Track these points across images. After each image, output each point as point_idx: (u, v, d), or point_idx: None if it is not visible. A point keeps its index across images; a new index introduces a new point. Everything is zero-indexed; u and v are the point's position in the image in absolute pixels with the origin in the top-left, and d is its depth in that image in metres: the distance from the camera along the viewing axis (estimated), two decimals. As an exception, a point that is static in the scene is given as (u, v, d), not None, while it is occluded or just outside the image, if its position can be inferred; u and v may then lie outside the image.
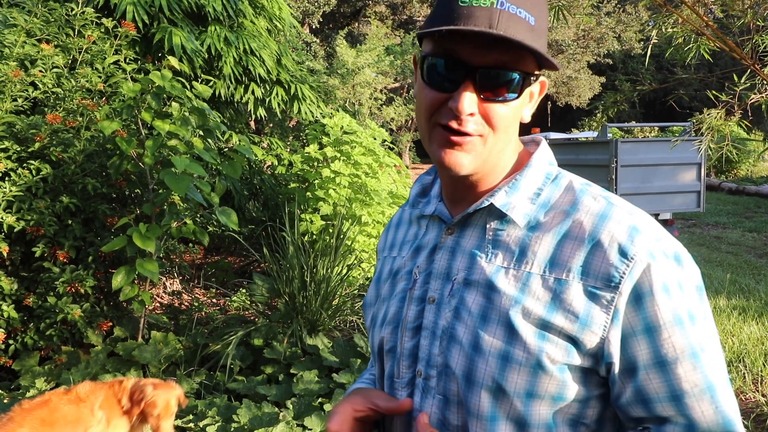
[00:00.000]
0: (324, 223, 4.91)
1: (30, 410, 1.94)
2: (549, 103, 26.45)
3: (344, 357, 3.42)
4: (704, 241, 8.78)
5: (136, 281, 3.19)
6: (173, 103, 3.34)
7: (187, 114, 3.28)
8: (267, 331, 3.62)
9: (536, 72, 0.79)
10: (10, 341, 3.17)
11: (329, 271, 3.96)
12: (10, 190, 3.06)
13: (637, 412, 0.77)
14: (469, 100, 0.75)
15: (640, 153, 7.42)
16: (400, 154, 20.05)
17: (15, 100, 3.36)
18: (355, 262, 4.50)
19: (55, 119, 3.24)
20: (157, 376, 3.17)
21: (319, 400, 2.90)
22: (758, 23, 2.88)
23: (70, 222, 3.25)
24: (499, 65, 0.75)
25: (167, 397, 2.19)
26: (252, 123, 7.50)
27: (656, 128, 18.43)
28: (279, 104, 5.50)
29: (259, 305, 4.23)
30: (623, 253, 0.75)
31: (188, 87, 3.56)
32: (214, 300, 4.86)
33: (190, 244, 4.84)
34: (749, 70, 2.97)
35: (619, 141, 7.36)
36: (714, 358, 0.76)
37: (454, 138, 0.78)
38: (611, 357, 0.76)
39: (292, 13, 6.23)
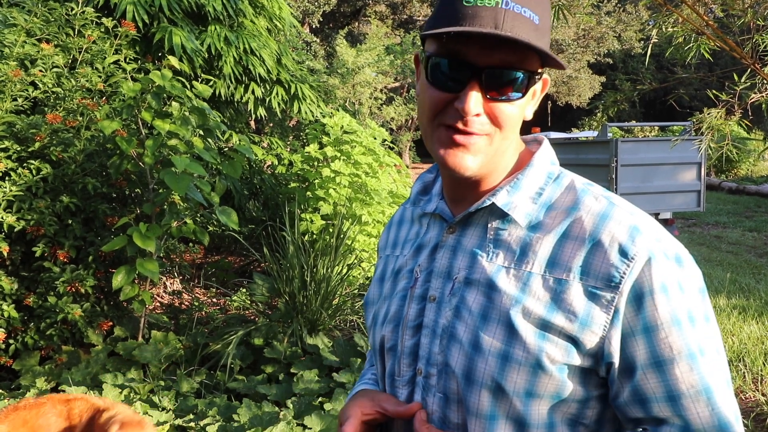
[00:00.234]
0: (324, 222, 4.91)
1: (20, 408, 1.92)
2: (549, 102, 26.44)
3: (344, 356, 3.42)
4: (704, 240, 8.78)
5: (136, 281, 3.19)
6: (173, 103, 3.34)
7: (187, 114, 3.28)
8: (267, 330, 3.62)
9: (540, 70, 0.79)
10: (11, 341, 3.17)
11: (329, 270, 3.96)
12: (11, 190, 3.06)
13: (634, 412, 0.77)
14: (475, 101, 0.75)
15: (640, 152, 7.43)
16: (400, 154, 20.06)
17: (15, 99, 3.36)
18: (356, 261, 4.51)
19: (55, 119, 3.25)
20: (157, 376, 3.17)
21: (320, 399, 2.91)
22: (758, 22, 2.88)
23: (70, 222, 3.25)
24: (504, 65, 0.75)
25: None
26: (252, 122, 7.50)
27: (656, 128, 18.42)
28: (279, 104, 5.51)
29: (259, 305, 4.23)
30: (624, 253, 0.75)
31: (188, 86, 3.56)
32: (214, 299, 4.86)
33: (191, 244, 4.84)
34: (749, 70, 2.97)
35: (620, 140, 7.36)
36: (713, 359, 0.76)
37: (459, 138, 0.78)
38: (611, 357, 0.76)
39: (292, 13, 6.23)
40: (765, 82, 2.98)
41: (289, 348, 3.47)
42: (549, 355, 0.76)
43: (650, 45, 3.53)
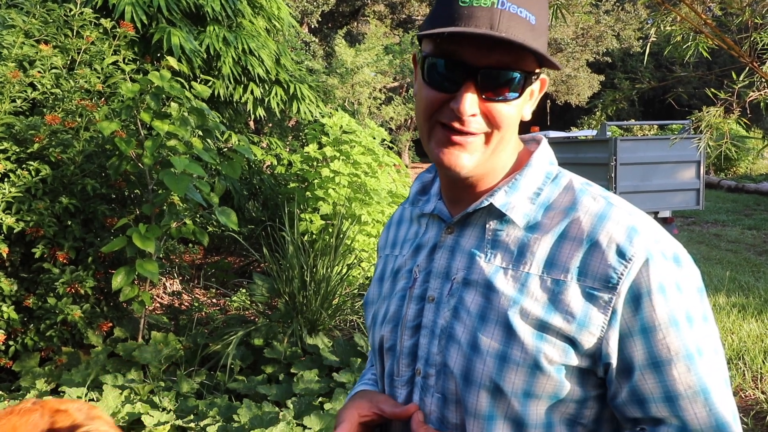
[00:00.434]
0: (324, 222, 4.91)
1: (14, 413, 1.90)
2: (548, 101, 26.45)
3: (344, 356, 3.42)
4: (703, 238, 8.79)
5: (136, 282, 3.19)
6: (172, 104, 3.34)
7: (186, 114, 3.28)
8: (267, 330, 3.62)
9: (537, 70, 0.79)
10: (11, 342, 3.17)
11: (329, 270, 3.96)
12: (10, 191, 3.06)
13: (633, 412, 0.77)
14: (470, 101, 0.75)
15: (640, 151, 7.43)
16: (399, 154, 20.05)
17: (14, 101, 3.36)
18: (355, 261, 4.51)
19: (54, 120, 3.24)
20: (157, 377, 3.17)
21: (320, 399, 2.91)
22: (756, 21, 2.88)
23: (69, 223, 3.25)
24: (500, 66, 0.75)
25: None
26: (251, 123, 7.50)
27: (655, 126, 18.43)
28: (278, 104, 5.50)
29: (259, 305, 4.23)
30: (621, 254, 0.75)
31: (187, 87, 3.56)
32: (214, 300, 4.86)
33: (190, 245, 4.85)
34: (748, 68, 2.97)
35: (619, 139, 7.36)
36: (711, 360, 0.76)
37: (456, 137, 0.78)
38: (609, 357, 0.76)
39: (290, 13, 6.22)
40: (763, 80, 2.98)
41: (289, 348, 3.47)
42: (547, 356, 0.76)
43: (649, 43, 3.53)
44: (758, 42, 2.86)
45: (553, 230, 0.80)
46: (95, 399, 2.80)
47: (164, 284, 4.87)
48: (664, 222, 7.34)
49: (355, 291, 4.30)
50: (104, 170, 3.46)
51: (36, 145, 3.19)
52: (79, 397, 2.76)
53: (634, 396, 0.76)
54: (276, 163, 6.10)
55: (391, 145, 7.20)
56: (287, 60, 5.70)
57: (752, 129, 18.06)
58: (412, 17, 23.07)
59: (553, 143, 8.85)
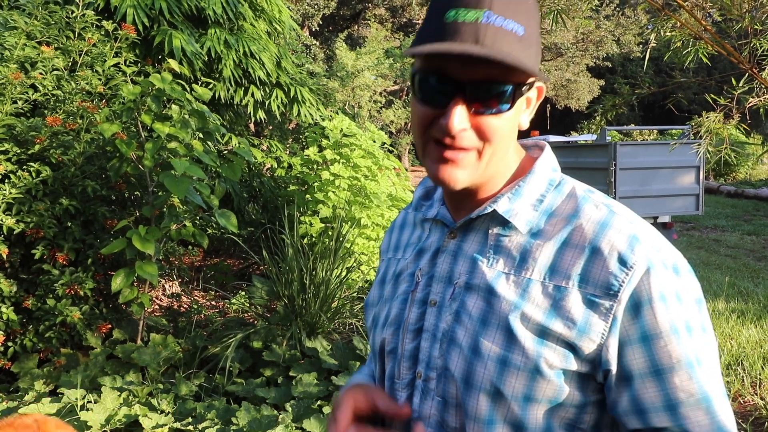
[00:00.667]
0: (323, 225, 4.91)
1: (5, 427, 1.89)
2: (548, 105, 26.49)
3: (343, 359, 3.42)
4: (703, 244, 8.79)
5: (135, 283, 3.19)
6: (173, 106, 3.34)
7: (186, 116, 3.29)
8: (266, 333, 3.62)
9: (529, 81, 0.78)
10: (9, 343, 3.17)
11: (328, 273, 3.96)
12: (10, 192, 3.06)
13: (633, 422, 0.77)
14: (459, 117, 0.75)
15: (639, 156, 7.44)
16: (399, 157, 20.07)
17: (15, 102, 3.36)
18: (355, 264, 4.51)
19: (55, 121, 3.25)
20: (156, 379, 3.17)
21: (318, 402, 2.90)
22: (756, 27, 2.89)
23: (69, 224, 3.25)
24: (488, 79, 0.74)
25: None
26: (251, 125, 7.51)
27: (655, 131, 18.45)
28: (278, 107, 5.51)
29: (258, 308, 4.23)
30: (623, 262, 0.75)
31: (188, 89, 3.56)
32: (213, 302, 4.86)
33: (190, 247, 4.84)
34: (747, 74, 2.98)
35: (618, 144, 7.37)
36: (711, 369, 0.76)
37: (448, 154, 0.78)
38: (609, 364, 0.76)
39: (291, 16, 6.24)
40: (763, 86, 2.99)
41: (288, 351, 3.47)
42: (547, 361, 0.76)
43: (649, 49, 3.54)
44: (758, 48, 2.87)
45: (555, 237, 0.80)
46: (93, 401, 2.80)
47: (163, 286, 4.87)
48: (664, 227, 7.34)
49: (355, 294, 4.30)
50: (105, 172, 3.47)
51: (37, 147, 3.19)
52: (77, 399, 2.75)
53: (634, 405, 0.76)
54: (276, 166, 6.11)
55: (391, 148, 7.21)
56: (288, 63, 5.72)
57: (752, 135, 18.10)
58: (412, 21, 23.12)
59: (553, 148, 8.85)
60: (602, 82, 25.10)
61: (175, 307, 4.66)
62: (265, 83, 5.36)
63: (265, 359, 3.40)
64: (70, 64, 3.74)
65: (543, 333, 0.76)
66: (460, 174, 0.79)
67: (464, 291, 0.83)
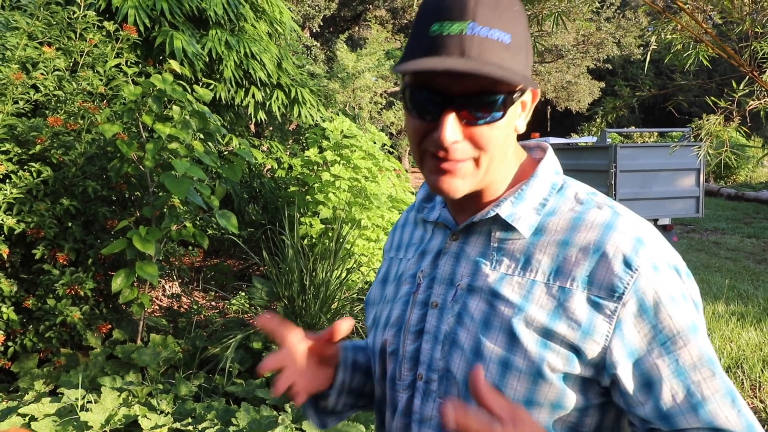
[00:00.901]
0: (323, 226, 4.91)
1: None
2: (548, 107, 26.51)
3: (343, 361, 3.41)
4: (703, 246, 8.79)
5: (135, 284, 3.19)
6: (174, 107, 3.35)
7: (187, 117, 3.29)
8: (266, 334, 3.61)
9: (520, 87, 0.77)
10: (9, 343, 3.17)
11: (328, 274, 3.96)
12: (11, 193, 3.07)
13: (658, 428, 0.77)
14: (451, 131, 0.74)
15: (640, 158, 7.45)
16: (399, 158, 20.08)
17: (16, 102, 3.37)
18: (355, 265, 4.51)
19: (56, 122, 3.25)
20: (155, 379, 3.17)
21: (318, 403, 2.90)
22: (757, 30, 2.90)
23: (70, 224, 3.25)
24: (478, 91, 0.74)
25: None
26: (252, 126, 7.51)
27: (655, 134, 18.45)
28: (279, 108, 5.52)
29: (258, 308, 4.23)
30: (628, 264, 0.75)
31: (189, 90, 3.57)
32: (213, 303, 4.86)
33: (190, 247, 4.84)
34: (748, 77, 2.98)
35: (619, 146, 7.38)
36: (721, 369, 0.77)
37: (444, 165, 0.77)
38: (613, 368, 0.76)
39: (292, 17, 6.25)
40: (763, 89, 2.99)
41: (288, 352, 3.46)
42: (550, 364, 0.76)
43: (649, 51, 3.54)
44: (758, 51, 2.87)
45: (559, 239, 0.80)
46: (93, 401, 2.80)
47: (163, 287, 4.87)
48: (664, 229, 7.35)
49: (354, 295, 4.30)
50: (105, 172, 3.47)
51: (38, 147, 3.20)
52: (77, 399, 2.75)
53: (658, 411, 0.75)
54: (276, 167, 6.11)
55: (391, 149, 7.21)
56: (289, 64, 5.72)
57: (752, 137, 18.11)
58: (413, 22, 23.12)
59: (554, 149, 8.86)
60: (603, 84, 25.12)
61: (175, 307, 4.66)
62: (266, 84, 5.36)
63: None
64: (71, 64, 3.75)
65: (547, 335, 0.76)
66: (459, 183, 0.79)
67: (466, 293, 0.83)
